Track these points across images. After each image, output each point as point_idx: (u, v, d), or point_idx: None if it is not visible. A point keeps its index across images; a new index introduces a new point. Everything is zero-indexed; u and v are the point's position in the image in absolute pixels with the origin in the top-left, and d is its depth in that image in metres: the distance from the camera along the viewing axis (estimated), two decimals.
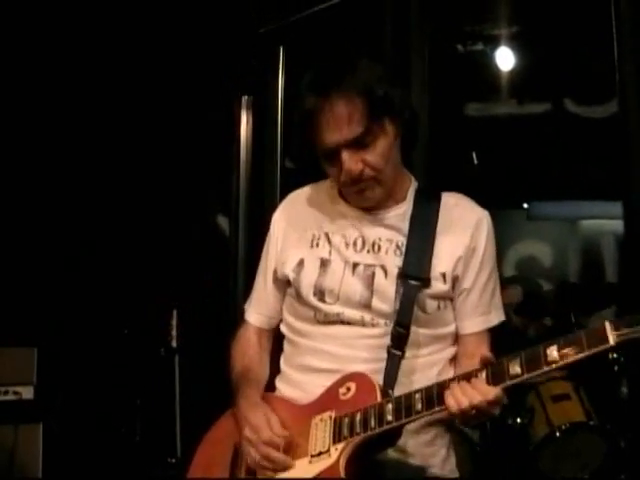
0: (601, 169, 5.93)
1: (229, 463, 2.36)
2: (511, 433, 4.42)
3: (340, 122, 2.21)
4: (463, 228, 2.38)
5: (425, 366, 2.35)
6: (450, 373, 2.39)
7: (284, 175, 4.86)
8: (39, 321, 4.71)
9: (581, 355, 1.92)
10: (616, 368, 4.79)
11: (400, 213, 2.41)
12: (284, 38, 4.95)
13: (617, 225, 5.21)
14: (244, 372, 2.49)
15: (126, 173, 5.32)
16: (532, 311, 5.73)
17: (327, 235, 2.43)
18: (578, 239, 9.12)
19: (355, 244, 2.39)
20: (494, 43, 5.87)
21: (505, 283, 5.56)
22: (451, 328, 2.41)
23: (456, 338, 2.44)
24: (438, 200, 2.44)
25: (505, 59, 5.97)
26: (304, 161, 2.42)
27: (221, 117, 5.30)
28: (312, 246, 2.44)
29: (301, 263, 2.42)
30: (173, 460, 4.72)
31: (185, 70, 5.22)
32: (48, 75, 5.02)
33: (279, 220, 2.57)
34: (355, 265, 2.36)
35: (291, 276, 2.42)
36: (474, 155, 6.20)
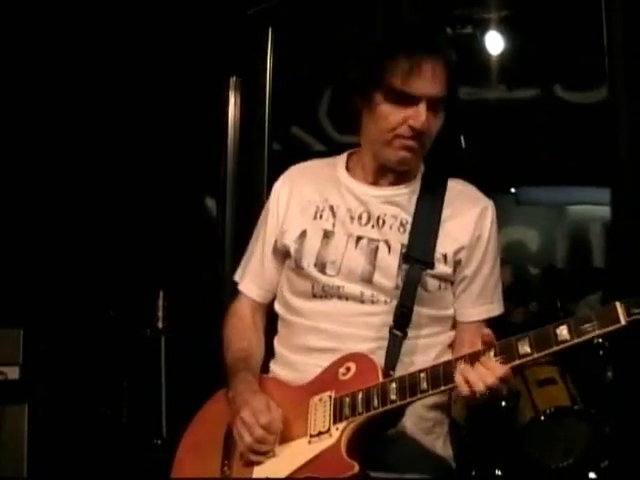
0: (590, 155, 5.93)
1: (222, 443, 2.33)
2: (496, 417, 4.44)
3: (431, 77, 2.25)
4: (468, 215, 2.39)
5: (424, 347, 2.36)
6: (448, 357, 2.38)
7: (272, 157, 4.84)
8: (25, 302, 4.70)
9: (593, 334, 1.92)
10: (601, 353, 4.80)
11: (408, 192, 2.42)
12: (272, 19, 4.92)
13: (605, 211, 5.21)
14: (244, 356, 2.45)
15: (114, 154, 5.30)
16: (518, 296, 5.74)
17: (332, 208, 2.42)
18: (566, 225, 9.14)
19: (360, 218, 2.39)
20: (483, 27, 5.85)
21: None
22: (451, 311, 2.42)
23: (454, 324, 2.45)
24: (444, 185, 2.45)
25: (494, 43, 5.95)
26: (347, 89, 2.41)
27: (209, 98, 5.28)
28: (315, 218, 2.42)
29: (303, 234, 2.40)
30: (159, 442, 4.71)
31: (174, 51, 5.19)
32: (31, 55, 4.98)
33: (281, 191, 2.54)
34: (359, 239, 2.36)
35: (293, 247, 2.40)
36: (462, 139, 6.20)
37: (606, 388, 4.63)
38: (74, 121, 5.16)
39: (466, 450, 4.17)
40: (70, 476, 4.38)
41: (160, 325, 4.90)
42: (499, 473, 4.16)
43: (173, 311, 4.94)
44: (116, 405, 4.94)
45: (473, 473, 4.13)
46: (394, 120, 2.29)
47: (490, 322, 2.45)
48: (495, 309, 2.45)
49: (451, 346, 2.45)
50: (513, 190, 9.18)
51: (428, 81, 2.24)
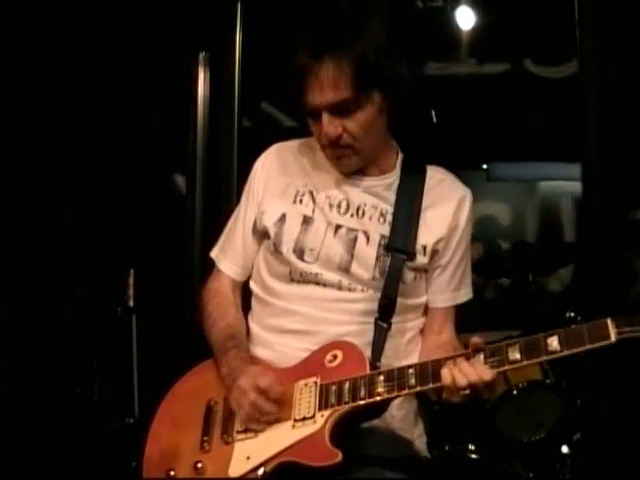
0: (560, 130, 5.94)
1: (202, 419, 2.34)
2: None
3: (326, 85, 2.22)
4: (447, 205, 2.43)
5: (397, 332, 2.39)
6: (419, 343, 2.47)
7: (241, 133, 4.82)
8: None
9: (582, 348, 1.99)
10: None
11: (387, 183, 2.45)
12: None
13: (575, 186, 5.23)
14: (232, 333, 2.47)
15: (81, 132, 5.24)
16: (490, 271, 5.75)
17: (312, 193, 2.44)
18: (537, 200, 9.16)
19: (339, 206, 2.41)
20: (454, 0, 5.82)
21: None
22: (424, 299, 2.47)
23: (425, 310, 2.50)
24: (424, 173, 2.48)
25: (465, 17, 5.92)
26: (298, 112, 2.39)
27: (178, 74, 5.23)
28: (295, 201, 2.43)
29: (283, 218, 2.42)
30: (131, 420, 4.70)
31: (141, 26, 5.14)
32: None
33: (263, 168, 2.55)
34: (338, 227, 2.38)
35: (272, 230, 2.41)
36: (433, 114, 6.19)
37: (577, 362, 4.65)
38: (39, 98, 5.09)
39: (439, 425, 4.19)
40: (40, 455, 4.36)
41: (131, 304, 4.88)
42: (472, 448, 4.17)
43: (144, 289, 4.92)
44: (87, 384, 4.92)
45: (446, 448, 4.14)
46: (317, 135, 2.35)
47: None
48: (463, 295, 2.51)
49: (422, 331, 2.49)
50: (484, 166, 9.19)
51: (320, 89, 2.23)
